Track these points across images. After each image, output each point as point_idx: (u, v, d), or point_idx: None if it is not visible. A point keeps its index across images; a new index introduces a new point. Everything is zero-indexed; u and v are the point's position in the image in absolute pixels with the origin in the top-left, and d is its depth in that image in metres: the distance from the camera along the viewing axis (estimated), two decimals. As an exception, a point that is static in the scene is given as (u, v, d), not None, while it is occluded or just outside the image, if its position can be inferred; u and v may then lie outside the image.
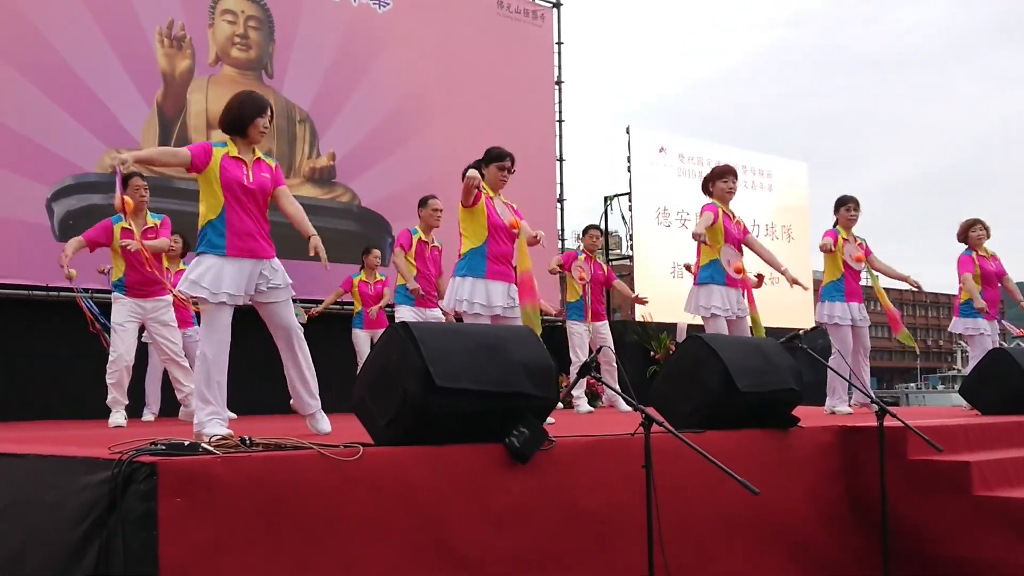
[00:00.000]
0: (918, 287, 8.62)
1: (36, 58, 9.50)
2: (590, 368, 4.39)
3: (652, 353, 13.33)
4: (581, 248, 9.82)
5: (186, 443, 3.46)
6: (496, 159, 6.62)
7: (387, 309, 10.02)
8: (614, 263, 16.48)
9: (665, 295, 13.40)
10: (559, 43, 14.15)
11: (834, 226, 8.40)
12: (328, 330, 10.05)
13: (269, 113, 5.29)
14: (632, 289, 11.46)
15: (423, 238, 8.62)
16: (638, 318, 13.79)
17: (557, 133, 14.03)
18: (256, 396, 8.45)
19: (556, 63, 14.11)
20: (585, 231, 9.93)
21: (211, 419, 4.93)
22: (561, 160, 14.12)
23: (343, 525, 3.54)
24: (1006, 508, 5.20)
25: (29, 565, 3.43)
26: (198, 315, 6.09)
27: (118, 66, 10.01)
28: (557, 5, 14.15)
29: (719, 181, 7.62)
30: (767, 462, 5.14)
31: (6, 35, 9.40)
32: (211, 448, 3.42)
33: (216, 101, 10.68)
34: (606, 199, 15.24)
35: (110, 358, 7.51)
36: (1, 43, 9.35)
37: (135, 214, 7.44)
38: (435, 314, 8.61)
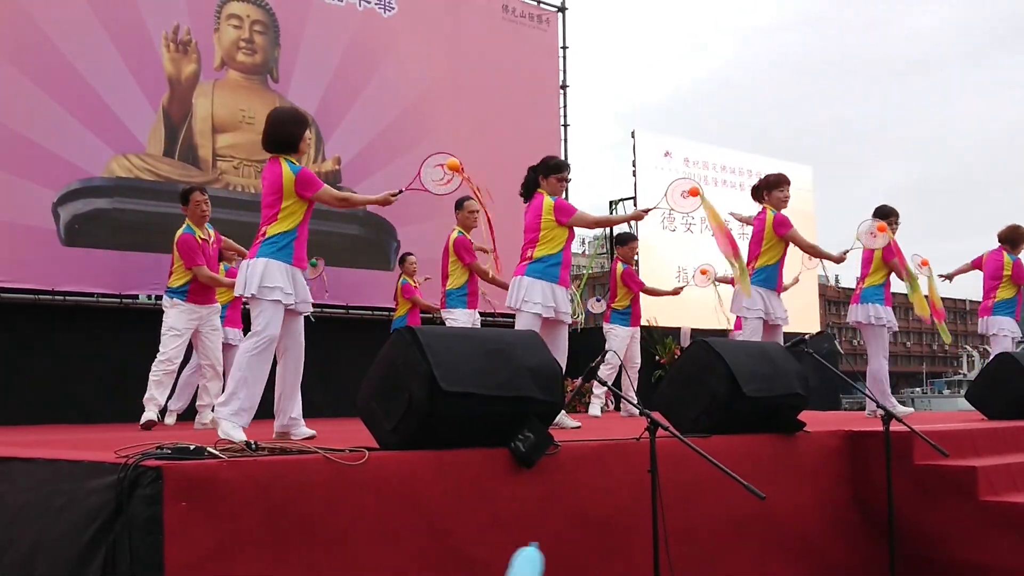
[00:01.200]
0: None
1: (43, 63, 9.52)
2: (595, 372, 4.39)
3: (657, 357, 13.31)
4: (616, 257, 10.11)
5: (192, 447, 3.46)
6: (556, 170, 6.86)
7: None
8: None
9: (670, 300, 13.38)
10: (564, 47, 14.16)
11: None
12: (346, 332, 10.07)
13: (311, 125, 5.59)
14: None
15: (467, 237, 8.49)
16: (643, 323, 13.77)
17: (562, 137, 14.03)
18: (261, 400, 8.43)
19: (561, 67, 14.11)
20: (626, 240, 10.13)
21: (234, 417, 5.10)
22: (566, 164, 14.12)
23: (349, 529, 3.54)
24: (1012, 513, 5.18)
25: (39, 569, 3.43)
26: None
27: (124, 71, 10.02)
28: (562, 9, 14.15)
29: (776, 191, 7.73)
30: (773, 467, 5.13)
31: (13, 39, 9.42)
32: (217, 452, 3.42)
33: (222, 106, 10.70)
34: (611, 203, 15.24)
35: (160, 358, 7.60)
36: (8, 47, 9.37)
37: (200, 225, 7.79)
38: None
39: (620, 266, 9.96)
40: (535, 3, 13.77)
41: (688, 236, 14.75)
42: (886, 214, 8.37)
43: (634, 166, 14.37)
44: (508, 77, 13.11)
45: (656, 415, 3.99)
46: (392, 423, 3.96)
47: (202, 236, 7.75)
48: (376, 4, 12.00)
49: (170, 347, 7.59)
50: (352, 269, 10.94)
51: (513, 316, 6.80)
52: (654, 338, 13.48)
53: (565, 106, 14.10)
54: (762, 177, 7.97)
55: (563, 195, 6.94)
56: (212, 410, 7.69)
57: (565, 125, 14.09)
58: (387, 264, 11.55)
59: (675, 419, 5.12)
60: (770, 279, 7.57)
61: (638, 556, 4.10)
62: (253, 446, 3.66)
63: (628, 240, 10.26)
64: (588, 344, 9.10)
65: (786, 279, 7.95)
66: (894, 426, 5.19)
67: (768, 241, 7.62)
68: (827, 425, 6.07)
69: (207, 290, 7.78)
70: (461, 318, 8.32)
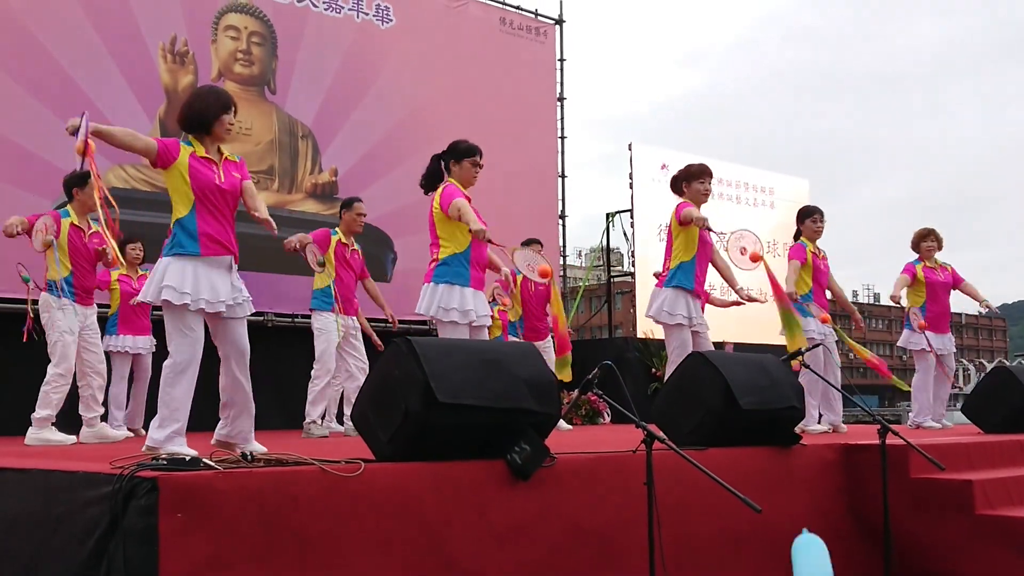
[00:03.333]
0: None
1: (38, 72, 9.52)
2: (592, 384, 4.39)
3: (653, 370, 13.31)
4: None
5: (187, 458, 3.45)
6: (468, 154, 6.42)
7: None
8: (616, 279, 16.50)
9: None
10: (561, 60, 14.20)
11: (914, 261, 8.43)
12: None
13: (234, 109, 5.14)
14: (633, 305, 11.42)
15: (343, 240, 8.27)
16: (639, 335, 13.79)
17: (559, 149, 14.06)
18: (256, 411, 8.41)
19: (558, 80, 14.15)
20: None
21: (173, 437, 4.76)
22: (563, 176, 14.15)
23: (344, 541, 3.53)
24: (1008, 527, 5.18)
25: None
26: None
27: (121, 81, 10.03)
28: (560, 22, 14.20)
29: (695, 182, 7.14)
30: (769, 480, 5.13)
31: (9, 49, 9.42)
32: (212, 463, 3.42)
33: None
34: (608, 216, 15.26)
35: (58, 371, 7.12)
36: (3, 56, 9.37)
37: (83, 214, 7.26)
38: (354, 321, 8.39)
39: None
40: (533, 16, 13.81)
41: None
42: (808, 213, 8.15)
43: (631, 179, 14.38)
44: (505, 89, 13.13)
45: (652, 427, 3.98)
46: (388, 434, 3.95)
47: (76, 223, 7.27)
48: (374, 16, 12.03)
49: (69, 354, 7.14)
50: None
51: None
52: (651, 351, 13.48)
53: (562, 118, 14.15)
54: (683, 167, 7.37)
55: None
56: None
57: (562, 137, 14.13)
58: (384, 275, 11.54)
59: (671, 431, 5.12)
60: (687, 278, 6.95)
61: (634, 569, 4.09)
62: (248, 457, 3.65)
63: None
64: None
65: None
66: (890, 439, 5.19)
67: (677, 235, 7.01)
68: (823, 438, 6.07)
69: (91, 289, 7.41)
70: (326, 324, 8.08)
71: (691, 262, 6.92)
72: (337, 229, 8.27)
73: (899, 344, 9.03)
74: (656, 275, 7.47)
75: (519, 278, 8.69)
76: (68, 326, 7.15)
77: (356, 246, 8.43)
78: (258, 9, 11.13)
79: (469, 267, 6.19)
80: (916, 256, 8.87)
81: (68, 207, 7.34)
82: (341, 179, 11.55)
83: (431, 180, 6.41)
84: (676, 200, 7.17)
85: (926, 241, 8.77)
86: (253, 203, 5.13)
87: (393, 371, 4.01)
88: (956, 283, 8.88)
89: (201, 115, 5.09)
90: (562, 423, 9.43)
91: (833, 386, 7.40)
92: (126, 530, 3.15)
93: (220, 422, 5.15)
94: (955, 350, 9.05)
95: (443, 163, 6.42)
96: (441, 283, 6.13)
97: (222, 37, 10.89)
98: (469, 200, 6.18)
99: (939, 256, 8.87)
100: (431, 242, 6.29)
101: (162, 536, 3.11)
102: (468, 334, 6.11)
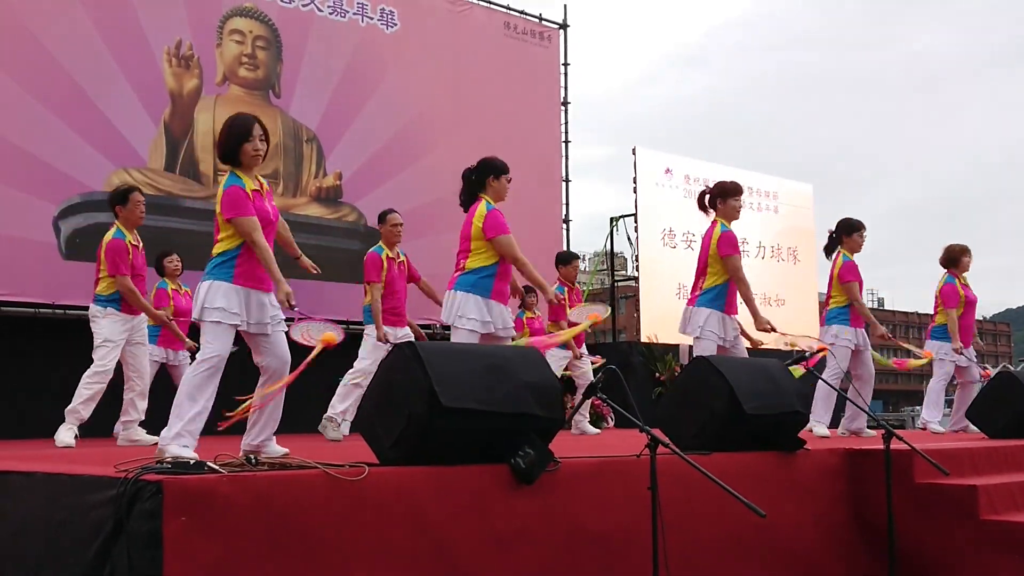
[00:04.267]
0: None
1: (44, 76, 9.53)
2: (596, 389, 4.39)
3: (657, 375, 13.31)
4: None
5: (192, 462, 3.46)
6: (504, 171, 6.47)
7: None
8: (620, 284, 16.50)
9: (670, 316, 13.33)
10: (566, 64, 14.20)
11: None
12: (348, 348, 10.01)
13: (258, 130, 5.17)
14: (637, 309, 11.46)
15: (388, 254, 8.41)
16: (644, 339, 13.79)
17: (563, 153, 14.05)
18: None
19: (562, 84, 14.15)
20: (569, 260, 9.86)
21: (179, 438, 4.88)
22: (567, 180, 14.15)
23: (348, 545, 3.53)
24: (1013, 532, 5.17)
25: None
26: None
27: (126, 85, 10.04)
28: (564, 27, 14.21)
29: (731, 199, 7.20)
30: (773, 485, 5.12)
31: (14, 54, 9.43)
32: (217, 467, 3.42)
33: (223, 121, 10.71)
34: (612, 220, 15.25)
35: (95, 369, 7.28)
36: (8, 61, 9.39)
37: (132, 229, 7.45)
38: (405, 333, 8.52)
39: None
40: (537, 20, 13.82)
41: (689, 253, 14.75)
42: (853, 227, 8.31)
43: (635, 183, 14.38)
44: (510, 93, 13.14)
45: (656, 432, 3.98)
46: (392, 438, 3.96)
47: (132, 242, 7.40)
48: (379, 20, 12.04)
49: (108, 359, 7.27)
50: (353, 284, 10.90)
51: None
52: (654, 355, 13.47)
53: (566, 122, 14.14)
54: (716, 184, 7.38)
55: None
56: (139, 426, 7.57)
57: (566, 141, 14.13)
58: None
59: (675, 436, 5.12)
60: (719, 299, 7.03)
61: (637, 573, 4.09)
62: (253, 461, 3.66)
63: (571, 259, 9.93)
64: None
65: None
66: (894, 444, 5.19)
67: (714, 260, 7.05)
68: (827, 443, 6.06)
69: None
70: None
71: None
72: (381, 244, 8.44)
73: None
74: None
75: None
76: (111, 333, 7.33)
77: (402, 256, 8.56)
78: (263, 13, 11.15)
79: (494, 280, 6.27)
80: (948, 272, 9.08)
81: (116, 224, 7.45)
82: (345, 183, 11.56)
83: (470, 198, 6.46)
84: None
85: (966, 256, 9.05)
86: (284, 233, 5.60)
87: (397, 375, 4.01)
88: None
89: (225, 148, 5.19)
90: (589, 426, 9.60)
91: (836, 390, 7.42)
92: (130, 534, 3.15)
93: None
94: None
95: (479, 178, 6.44)
96: (460, 291, 6.23)
97: (227, 41, 10.91)
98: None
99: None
100: (460, 250, 6.39)
101: (166, 540, 3.11)
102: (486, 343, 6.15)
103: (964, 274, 9.08)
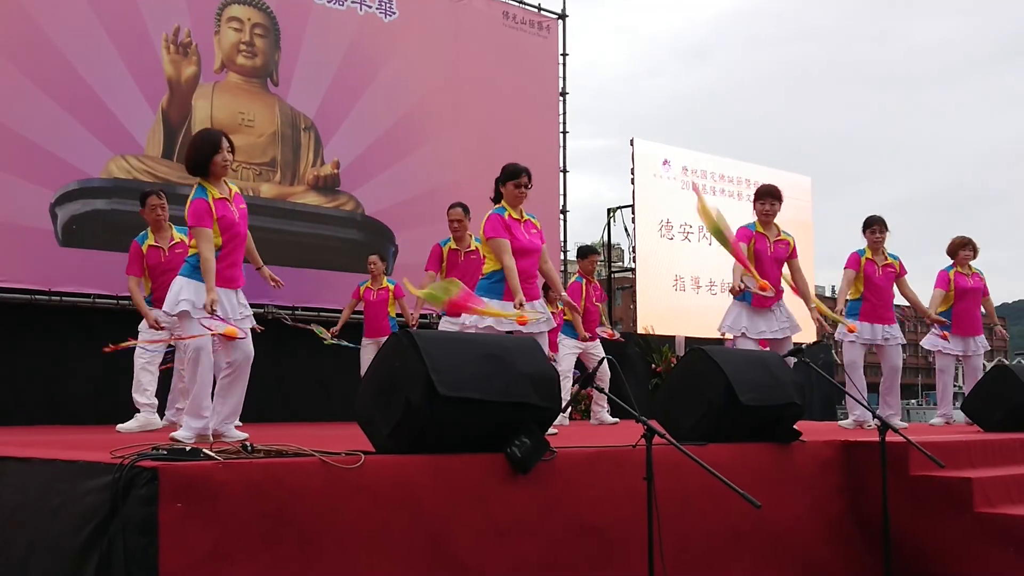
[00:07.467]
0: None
1: (42, 63, 9.51)
2: (591, 380, 4.39)
3: (654, 366, 13.32)
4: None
5: (188, 448, 3.45)
6: (512, 176, 6.52)
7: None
8: (616, 275, 16.49)
9: (667, 308, 13.37)
10: (564, 54, 14.17)
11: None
12: (343, 336, 10.02)
13: (226, 143, 5.52)
14: (634, 301, 11.43)
15: (452, 247, 8.44)
16: (640, 331, 13.79)
17: (561, 144, 14.02)
18: (259, 404, 8.42)
19: (561, 74, 14.12)
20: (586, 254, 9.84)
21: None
22: (564, 171, 14.12)
23: (344, 533, 3.53)
24: (1007, 525, 5.18)
25: (34, 570, 3.42)
26: None
27: (124, 72, 10.01)
28: (563, 17, 14.17)
29: (757, 203, 7.57)
30: (769, 476, 5.13)
31: (13, 39, 9.41)
32: (213, 454, 3.42)
33: (221, 108, 10.70)
34: (609, 211, 15.24)
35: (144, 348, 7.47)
36: (7, 46, 9.36)
37: (158, 231, 7.61)
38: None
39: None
40: (536, 10, 13.78)
41: (685, 244, 14.75)
42: (864, 225, 8.40)
43: (632, 174, 14.36)
44: (508, 83, 13.11)
45: (653, 423, 3.99)
46: (389, 427, 3.95)
47: (154, 243, 7.59)
48: (377, 9, 12.01)
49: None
50: (349, 273, 10.90)
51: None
52: (651, 347, 13.48)
53: (564, 113, 14.11)
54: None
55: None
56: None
57: (564, 132, 14.10)
58: (386, 268, 11.53)
59: (672, 427, 5.12)
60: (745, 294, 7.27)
61: (633, 563, 4.10)
62: (249, 448, 3.65)
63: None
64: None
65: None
66: (890, 437, 5.19)
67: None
68: (823, 435, 6.07)
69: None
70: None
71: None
72: (450, 237, 8.44)
73: (922, 344, 9.38)
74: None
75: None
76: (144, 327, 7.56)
77: (471, 247, 8.40)
78: (261, 1, 11.12)
79: (505, 283, 6.34)
80: (951, 262, 9.24)
81: (147, 229, 7.67)
82: (343, 172, 11.53)
83: (496, 204, 6.62)
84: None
85: (964, 249, 9.19)
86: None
87: (395, 364, 4.01)
88: (984, 293, 9.33)
89: (195, 161, 5.53)
90: (608, 416, 9.58)
91: (836, 384, 7.44)
92: (126, 520, 3.15)
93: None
94: (987, 349, 9.34)
95: (497, 185, 6.60)
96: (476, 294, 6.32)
97: (225, 28, 10.87)
98: (511, 227, 6.40)
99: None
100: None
101: (162, 526, 3.11)
102: None
103: (970, 263, 9.19)
